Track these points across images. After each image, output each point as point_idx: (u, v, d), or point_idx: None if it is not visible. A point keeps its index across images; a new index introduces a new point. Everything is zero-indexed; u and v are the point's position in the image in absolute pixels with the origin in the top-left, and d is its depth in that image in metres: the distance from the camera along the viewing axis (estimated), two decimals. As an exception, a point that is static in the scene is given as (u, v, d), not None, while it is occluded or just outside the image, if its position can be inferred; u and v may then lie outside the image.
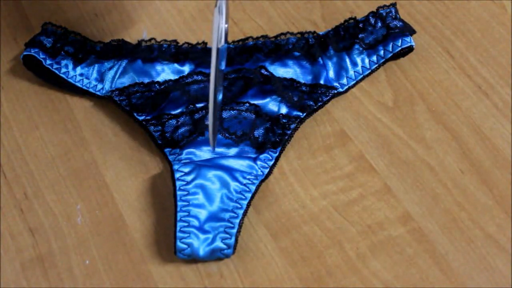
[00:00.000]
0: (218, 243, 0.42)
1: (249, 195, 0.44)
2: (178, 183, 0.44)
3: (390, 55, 0.49)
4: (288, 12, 0.54)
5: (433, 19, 0.52)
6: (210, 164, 0.45)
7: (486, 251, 0.42)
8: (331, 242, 0.43)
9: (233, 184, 0.44)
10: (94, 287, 0.43)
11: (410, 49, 0.49)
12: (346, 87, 0.49)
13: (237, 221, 0.43)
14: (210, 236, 0.42)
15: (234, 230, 0.43)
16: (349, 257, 0.43)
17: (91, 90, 0.49)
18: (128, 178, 0.47)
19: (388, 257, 0.42)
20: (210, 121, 0.41)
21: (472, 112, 0.48)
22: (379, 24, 0.50)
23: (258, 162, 0.45)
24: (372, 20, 0.50)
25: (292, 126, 0.47)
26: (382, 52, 0.49)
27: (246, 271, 0.43)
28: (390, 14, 0.50)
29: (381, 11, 0.50)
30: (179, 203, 0.43)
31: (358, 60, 0.49)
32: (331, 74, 0.49)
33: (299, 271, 0.42)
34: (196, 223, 0.43)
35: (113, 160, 0.47)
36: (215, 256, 0.42)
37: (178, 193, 0.44)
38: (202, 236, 0.42)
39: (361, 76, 0.49)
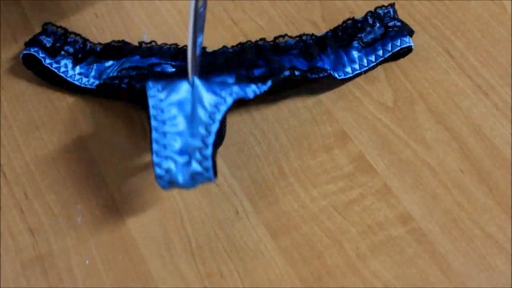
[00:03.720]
0: (195, 166, 0.39)
1: (224, 108, 0.40)
2: (151, 102, 0.40)
3: (388, 54, 0.49)
4: (288, 12, 0.54)
5: (433, 19, 0.52)
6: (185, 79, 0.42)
7: (486, 251, 0.42)
8: (331, 242, 0.43)
9: (208, 97, 0.40)
10: (94, 287, 0.43)
11: (409, 49, 0.49)
12: (343, 77, 0.49)
13: (211, 140, 0.39)
14: (187, 158, 0.39)
15: (209, 151, 0.39)
16: (349, 257, 0.43)
17: (89, 86, 0.49)
18: (128, 178, 0.47)
19: (388, 257, 0.43)
20: (189, 54, 0.39)
21: (472, 112, 0.48)
22: (378, 24, 0.50)
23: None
24: (370, 20, 0.50)
25: (286, 73, 0.45)
26: (380, 52, 0.49)
27: (246, 271, 0.43)
28: (388, 14, 0.50)
29: (379, 11, 0.50)
30: (154, 123, 0.39)
31: (356, 58, 0.49)
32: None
33: (299, 271, 0.42)
34: (173, 145, 0.39)
35: (113, 160, 0.47)
36: (197, 181, 0.39)
37: (152, 112, 0.40)
38: (180, 160, 0.39)
39: (358, 71, 0.49)
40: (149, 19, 0.54)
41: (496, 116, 0.47)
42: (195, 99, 0.40)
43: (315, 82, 0.48)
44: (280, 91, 0.49)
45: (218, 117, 0.40)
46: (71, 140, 0.49)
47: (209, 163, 0.39)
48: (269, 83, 0.43)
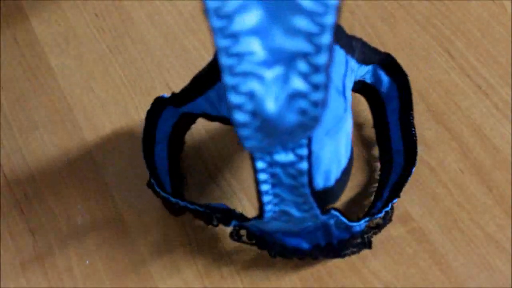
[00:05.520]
0: (297, 83, 0.24)
1: None
2: None
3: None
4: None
5: (433, 19, 0.52)
6: None
7: (486, 251, 0.42)
8: (331, 242, 0.43)
9: None
10: (94, 287, 0.43)
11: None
12: None
13: (326, 39, 0.23)
14: (282, 71, 0.24)
15: (322, 58, 0.23)
16: (349, 257, 0.43)
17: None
18: (128, 178, 0.47)
19: (388, 257, 0.42)
20: None
21: (472, 112, 0.48)
22: None
23: None
24: None
25: None
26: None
27: (246, 271, 0.43)
28: None
29: None
30: (216, 22, 0.23)
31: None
32: None
33: (299, 271, 0.42)
34: (253, 52, 0.24)
35: (113, 160, 0.47)
36: (297, 109, 0.24)
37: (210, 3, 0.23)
38: (269, 74, 0.24)
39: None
40: (149, 19, 0.54)
41: (496, 116, 0.47)
42: None
43: None
44: None
45: (333, 2, 0.22)
46: (71, 140, 0.49)
47: (321, 78, 0.24)
48: None
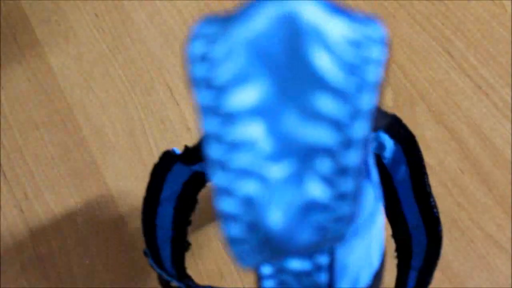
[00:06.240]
0: (313, 189, 0.17)
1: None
2: (193, 46, 0.17)
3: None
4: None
5: (433, 19, 0.52)
6: None
7: (486, 251, 0.42)
8: (331, 242, 0.43)
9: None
10: (94, 287, 0.43)
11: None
12: None
13: (360, 129, 0.17)
14: (294, 170, 0.17)
15: (352, 157, 0.17)
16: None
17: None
18: (128, 178, 0.47)
19: (388, 257, 0.42)
20: None
21: (472, 112, 0.48)
22: None
23: None
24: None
25: None
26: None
27: (246, 271, 0.43)
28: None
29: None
30: (205, 98, 0.17)
31: None
32: None
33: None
34: (256, 142, 0.17)
35: (113, 160, 0.47)
36: (313, 225, 0.18)
37: (194, 71, 0.17)
38: (274, 173, 0.17)
39: None
40: (149, 19, 0.54)
41: (496, 116, 0.47)
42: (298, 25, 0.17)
43: None
44: None
45: (372, 77, 0.17)
46: (71, 140, 0.49)
47: (349, 185, 0.17)
48: None
